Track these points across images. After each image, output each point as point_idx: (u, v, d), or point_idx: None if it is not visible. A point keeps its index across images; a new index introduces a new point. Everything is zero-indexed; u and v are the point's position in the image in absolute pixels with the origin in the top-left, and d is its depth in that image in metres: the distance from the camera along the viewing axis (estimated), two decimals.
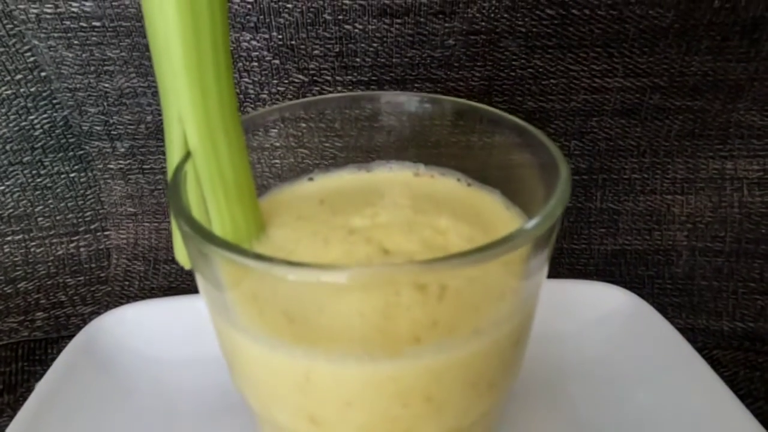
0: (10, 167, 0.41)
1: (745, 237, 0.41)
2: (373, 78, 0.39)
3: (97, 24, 0.36)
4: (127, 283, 0.44)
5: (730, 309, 0.40)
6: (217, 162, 0.18)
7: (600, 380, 0.31)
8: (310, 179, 0.26)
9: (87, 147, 0.42)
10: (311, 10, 0.36)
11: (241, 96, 0.39)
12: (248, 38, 0.37)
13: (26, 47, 0.38)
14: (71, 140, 0.41)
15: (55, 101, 0.40)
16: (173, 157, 0.19)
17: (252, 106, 0.40)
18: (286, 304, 0.17)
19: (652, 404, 0.29)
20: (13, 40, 0.37)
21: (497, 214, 0.23)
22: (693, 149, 0.40)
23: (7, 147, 0.40)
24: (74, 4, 0.36)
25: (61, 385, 0.30)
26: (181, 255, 0.21)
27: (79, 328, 0.34)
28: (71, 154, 0.42)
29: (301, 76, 0.39)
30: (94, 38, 0.37)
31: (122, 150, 0.42)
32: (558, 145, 0.40)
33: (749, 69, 0.37)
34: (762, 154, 0.40)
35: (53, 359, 0.31)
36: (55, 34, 0.37)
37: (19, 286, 0.42)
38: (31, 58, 0.38)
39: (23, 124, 0.40)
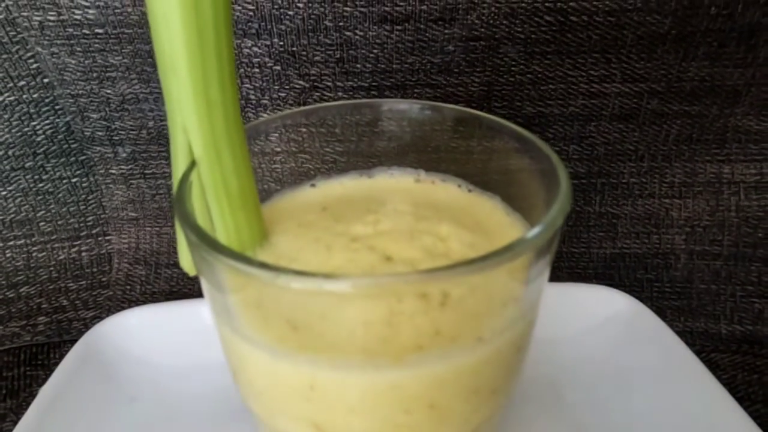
0: (12, 172, 0.41)
1: (743, 240, 0.41)
2: (374, 84, 0.39)
3: (100, 31, 0.37)
4: (128, 287, 0.44)
5: (728, 312, 0.41)
6: (221, 171, 0.19)
7: (599, 382, 0.31)
8: (313, 185, 0.26)
9: (89, 152, 0.42)
10: (312, 17, 0.36)
11: (243, 102, 0.40)
12: (250, 45, 0.37)
13: (29, 54, 0.38)
14: (73, 146, 0.41)
15: (57, 107, 0.40)
16: (178, 166, 0.19)
17: (253, 111, 0.40)
18: (290, 312, 0.18)
19: (650, 406, 0.29)
20: (17, 47, 0.38)
21: (498, 220, 0.23)
22: (690, 154, 0.41)
23: (10, 152, 0.41)
24: (77, 11, 0.36)
25: (64, 390, 0.30)
26: (186, 261, 0.21)
27: (80, 332, 0.34)
28: (73, 159, 0.42)
29: (302, 82, 0.39)
30: (96, 45, 0.37)
31: (124, 155, 0.42)
32: (557, 149, 0.41)
33: (746, 74, 0.38)
34: (759, 159, 0.40)
35: (55, 364, 0.32)
36: (58, 41, 0.37)
37: (21, 290, 0.43)
38: (34, 65, 0.38)
39: (26, 129, 0.40)
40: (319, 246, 0.20)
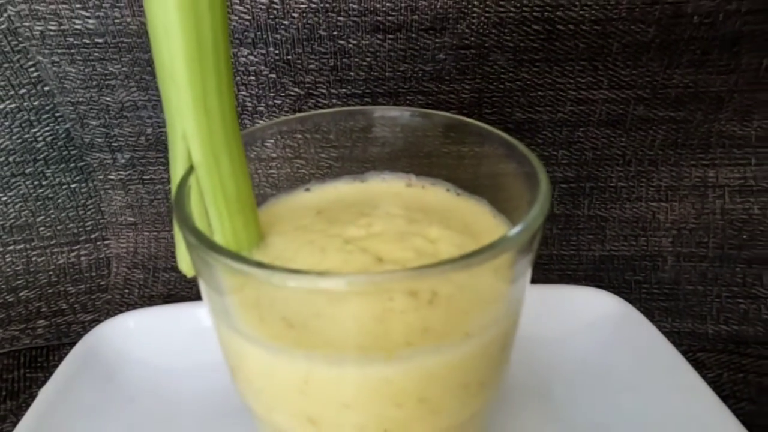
0: (12, 178, 0.42)
1: (728, 243, 0.42)
2: (367, 91, 0.40)
3: (100, 40, 0.37)
4: (127, 291, 0.44)
5: (715, 313, 0.41)
6: (219, 176, 0.19)
7: (588, 381, 0.32)
8: (308, 190, 0.27)
9: (88, 158, 0.43)
10: (307, 26, 0.37)
11: (240, 109, 0.40)
12: (246, 53, 0.38)
13: (30, 63, 0.39)
14: (73, 152, 0.42)
15: (57, 114, 0.41)
16: (177, 171, 0.20)
17: (249, 118, 0.41)
18: (285, 310, 0.18)
19: (637, 405, 0.30)
20: (18, 56, 0.38)
21: (485, 223, 0.24)
22: (676, 158, 0.42)
23: (10, 159, 0.41)
24: (77, 21, 0.37)
25: (63, 392, 0.30)
26: (184, 264, 0.21)
27: (79, 335, 0.35)
28: (72, 165, 0.43)
29: (297, 90, 0.40)
30: (96, 54, 0.38)
31: (123, 161, 0.42)
32: (546, 154, 0.42)
33: (729, 81, 0.39)
34: (742, 163, 0.41)
35: (55, 366, 0.32)
36: (59, 50, 0.38)
37: (20, 294, 0.43)
38: (35, 73, 0.39)
39: (26, 136, 0.41)
40: (314, 248, 0.21)
